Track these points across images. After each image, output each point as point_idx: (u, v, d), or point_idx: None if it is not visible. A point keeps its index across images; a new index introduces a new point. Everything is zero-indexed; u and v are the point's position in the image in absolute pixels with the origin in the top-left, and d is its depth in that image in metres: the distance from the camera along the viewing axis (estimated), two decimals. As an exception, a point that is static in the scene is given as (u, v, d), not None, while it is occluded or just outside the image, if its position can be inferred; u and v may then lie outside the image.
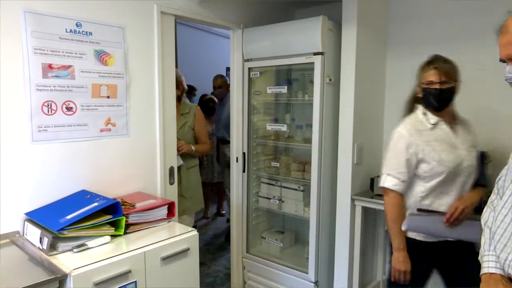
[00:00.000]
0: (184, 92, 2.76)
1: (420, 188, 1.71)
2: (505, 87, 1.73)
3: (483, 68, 2.33)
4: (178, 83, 2.53)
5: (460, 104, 2.44)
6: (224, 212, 4.94)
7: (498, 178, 1.30)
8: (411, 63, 2.59)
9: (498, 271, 1.13)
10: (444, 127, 1.72)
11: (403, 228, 1.69)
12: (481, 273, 1.19)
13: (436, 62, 1.74)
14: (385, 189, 1.75)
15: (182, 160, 2.54)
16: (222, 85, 4.22)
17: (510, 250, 1.09)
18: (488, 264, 1.17)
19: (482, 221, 1.30)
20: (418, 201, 1.71)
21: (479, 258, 1.24)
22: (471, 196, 1.69)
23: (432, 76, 1.70)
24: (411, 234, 1.74)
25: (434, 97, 1.70)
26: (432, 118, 1.73)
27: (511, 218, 1.11)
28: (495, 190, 1.31)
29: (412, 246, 1.72)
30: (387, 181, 1.73)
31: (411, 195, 1.74)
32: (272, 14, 2.90)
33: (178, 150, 2.46)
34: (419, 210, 1.69)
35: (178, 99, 2.59)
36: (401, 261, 1.70)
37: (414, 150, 1.68)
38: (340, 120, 2.47)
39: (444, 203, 1.69)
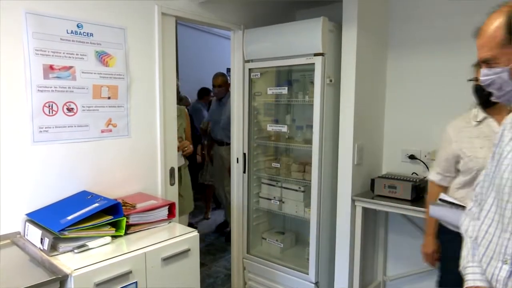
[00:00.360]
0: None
1: (458, 180, 1.78)
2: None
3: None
4: None
5: (460, 103, 2.45)
6: (209, 217, 4.83)
7: (475, 184, 1.26)
8: (412, 63, 2.63)
9: (484, 284, 1.09)
10: (492, 124, 1.71)
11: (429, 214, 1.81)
12: (465, 286, 1.14)
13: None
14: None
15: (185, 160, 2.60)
16: (222, 84, 4.00)
17: (497, 263, 1.03)
18: (474, 276, 1.12)
19: (462, 230, 1.25)
20: (452, 192, 1.78)
21: (460, 268, 1.20)
22: None
23: (478, 72, 1.72)
24: (444, 222, 1.79)
25: (477, 94, 1.71)
26: (480, 115, 1.74)
27: (495, 228, 1.06)
28: (472, 197, 1.28)
29: (444, 233, 1.81)
30: (430, 173, 1.92)
31: (451, 186, 1.81)
32: (272, 15, 2.90)
33: (183, 150, 2.51)
34: (440, 200, 1.75)
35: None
36: (424, 245, 1.92)
37: (454, 147, 1.75)
38: (341, 120, 2.47)
39: None
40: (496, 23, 1.06)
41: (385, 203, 2.36)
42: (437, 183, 1.85)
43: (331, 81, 2.47)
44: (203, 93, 5.34)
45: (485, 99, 1.69)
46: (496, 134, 1.66)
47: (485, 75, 1.09)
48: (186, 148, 2.54)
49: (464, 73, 2.41)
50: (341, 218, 2.52)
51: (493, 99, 1.14)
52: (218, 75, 4.07)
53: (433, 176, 1.88)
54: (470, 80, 1.73)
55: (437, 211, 1.75)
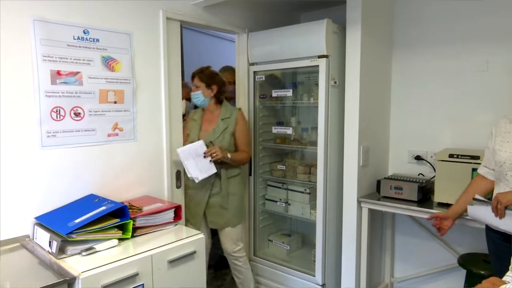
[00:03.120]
0: (224, 93, 2.55)
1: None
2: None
3: (485, 69, 2.32)
4: (216, 82, 2.46)
5: (465, 104, 2.44)
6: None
7: None
8: (417, 64, 2.62)
9: None
10: None
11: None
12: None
13: None
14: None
15: (222, 169, 2.37)
16: (232, 81, 3.16)
17: None
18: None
19: None
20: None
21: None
22: None
23: None
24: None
25: None
26: None
27: None
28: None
29: (486, 228, 1.82)
30: (479, 166, 1.91)
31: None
32: (276, 18, 2.92)
33: (211, 156, 2.28)
34: (474, 199, 1.74)
35: (218, 100, 2.50)
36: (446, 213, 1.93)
37: (494, 140, 1.77)
38: (346, 122, 2.47)
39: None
40: None
41: (391, 205, 2.35)
42: (483, 175, 1.87)
43: (335, 83, 2.47)
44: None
45: None
46: None
47: None
48: (214, 154, 2.27)
49: (470, 74, 2.41)
50: (347, 220, 2.52)
51: None
52: (226, 70, 3.29)
53: (480, 169, 1.90)
54: None
55: (473, 211, 1.74)
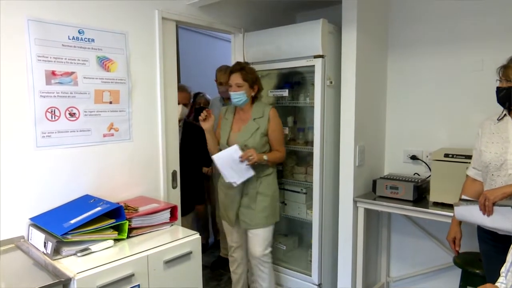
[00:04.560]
0: (260, 92, 2.43)
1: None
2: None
3: (480, 68, 2.34)
4: (258, 82, 2.38)
5: (460, 103, 2.46)
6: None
7: None
8: (412, 64, 2.63)
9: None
10: (509, 121, 1.72)
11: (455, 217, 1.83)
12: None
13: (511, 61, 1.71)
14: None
15: (253, 169, 2.27)
16: (223, 81, 3.07)
17: None
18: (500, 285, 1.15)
19: None
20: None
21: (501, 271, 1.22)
22: (506, 186, 1.62)
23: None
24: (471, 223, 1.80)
25: (496, 93, 1.74)
26: (503, 113, 1.76)
27: None
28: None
29: (478, 229, 1.84)
30: (468, 168, 1.93)
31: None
32: (272, 18, 2.92)
33: (248, 160, 2.19)
34: (461, 200, 1.75)
35: (253, 100, 2.39)
36: (448, 232, 1.96)
37: (480, 141, 1.79)
38: (342, 122, 2.47)
39: None
40: None
41: (387, 204, 2.36)
42: (472, 177, 1.88)
43: (331, 82, 2.47)
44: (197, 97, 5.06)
45: (503, 100, 1.71)
46: (508, 131, 1.68)
47: None
48: (251, 157, 2.18)
49: (465, 73, 2.42)
50: (344, 220, 2.53)
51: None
52: (222, 69, 3.22)
53: (469, 170, 1.91)
54: (497, 80, 1.73)
55: (460, 211, 1.74)
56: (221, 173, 2.29)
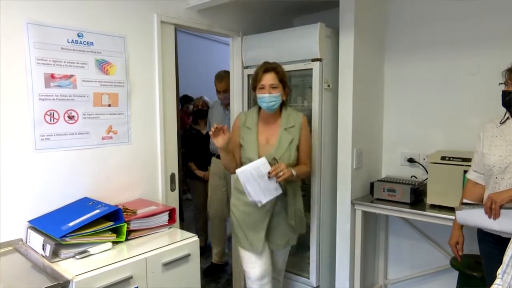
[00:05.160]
0: (289, 96, 2.19)
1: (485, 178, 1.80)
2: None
3: (475, 72, 2.36)
4: (287, 83, 2.11)
5: (457, 106, 2.48)
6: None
7: None
8: (409, 67, 2.65)
9: None
10: (511, 124, 1.73)
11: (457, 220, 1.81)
12: None
13: None
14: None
15: (287, 185, 2.04)
16: (227, 88, 3.07)
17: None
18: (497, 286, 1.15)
19: None
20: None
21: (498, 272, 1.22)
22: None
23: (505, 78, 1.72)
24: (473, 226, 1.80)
25: (505, 98, 1.72)
26: (506, 116, 1.75)
27: None
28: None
29: (478, 231, 1.83)
30: (468, 172, 1.92)
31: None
32: (270, 22, 2.93)
33: (277, 177, 1.91)
34: (463, 204, 1.76)
35: (281, 105, 2.11)
36: (450, 236, 1.94)
37: (481, 144, 1.79)
38: (339, 125, 2.49)
39: None
40: None
41: (384, 207, 2.37)
42: (474, 180, 1.87)
43: (329, 86, 2.49)
44: (184, 101, 4.92)
45: (507, 104, 1.69)
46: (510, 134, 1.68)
47: None
48: (281, 173, 1.90)
49: (461, 77, 2.45)
50: (341, 222, 2.53)
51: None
52: (223, 76, 3.22)
53: (469, 174, 1.90)
54: (501, 83, 1.74)
55: (461, 215, 1.74)
56: (244, 190, 1.96)
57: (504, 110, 1.76)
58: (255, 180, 1.92)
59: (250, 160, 1.99)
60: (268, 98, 2.01)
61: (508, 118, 1.74)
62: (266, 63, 2.09)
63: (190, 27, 2.49)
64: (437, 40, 2.50)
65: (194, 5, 2.37)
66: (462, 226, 1.89)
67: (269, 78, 2.03)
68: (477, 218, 1.67)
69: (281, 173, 1.89)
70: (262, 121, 2.12)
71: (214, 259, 3.48)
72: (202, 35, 5.55)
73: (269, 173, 1.90)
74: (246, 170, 1.92)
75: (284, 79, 2.06)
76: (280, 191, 1.95)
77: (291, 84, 2.19)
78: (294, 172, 1.97)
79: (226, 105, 3.27)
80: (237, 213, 2.14)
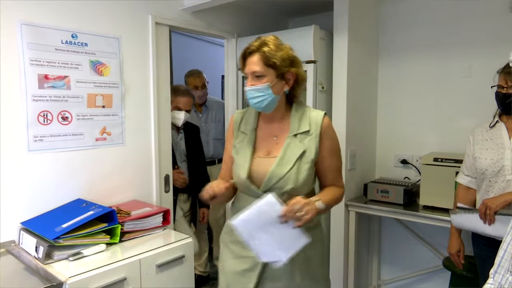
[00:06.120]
0: (302, 85, 1.44)
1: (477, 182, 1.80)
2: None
3: (468, 75, 2.38)
4: (289, 64, 1.37)
5: (449, 108, 2.50)
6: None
7: None
8: (402, 70, 2.68)
9: None
10: (501, 127, 1.74)
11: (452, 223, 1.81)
12: None
13: (506, 67, 1.71)
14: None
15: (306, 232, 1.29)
16: (198, 85, 3.05)
17: (504, 273, 1.06)
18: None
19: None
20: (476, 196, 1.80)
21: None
22: (507, 194, 1.61)
23: (500, 80, 1.71)
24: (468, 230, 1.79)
25: (498, 101, 1.73)
26: (495, 120, 1.76)
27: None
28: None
29: (472, 233, 1.81)
30: (458, 176, 1.91)
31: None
32: (265, 24, 2.94)
33: (297, 220, 1.22)
34: (458, 208, 1.75)
35: (290, 100, 1.44)
36: (449, 245, 1.92)
37: (471, 148, 1.79)
38: (333, 126, 2.49)
39: None
40: None
41: (378, 208, 2.39)
42: (466, 185, 1.86)
43: (323, 88, 2.50)
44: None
45: (506, 107, 1.70)
46: (502, 137, 1.68)
47: None
48: (303, 214, 1.21)
49: (454, 79, 2.47)
50: (335, 223, 2.54)
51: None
52: (197, 74, 3.05)
53: (461, 178, 1.88)
54: (494, 86, 1.75)
55: (457, 219, 1.75)
56: (251, 248, 1.31)
57: (492, 113, 1.78)
58: (264, 232, 1.26)
59: (239, 182, 1.41)
60: (250, 93, 1.36)
61: (497, 121, 1.76)
62: (255, 40, 1.42)
63: (184, 29, 2.49)
64: (430, 43, 2.53)
65: (188, 7, 2.37)
66: (460, 233, 1.89)
67: (251, 64, 1.36)
68: (472, 222, 1.68)
69: (302, 214, 1.21)
70: (263, 124, 1.46)
71: (197, 270, 3.08)
72: (196, 37, 5.54)
73: (281, 216, 1.22)
74: (244, 221, 1.26)
75: (276, 62, 1.33)
76: (305, 239, 1.26)
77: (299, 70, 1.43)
78: (321, 204, 1.30)
79: (200, 105, 3.16)
80: (224, 256, 1.47)
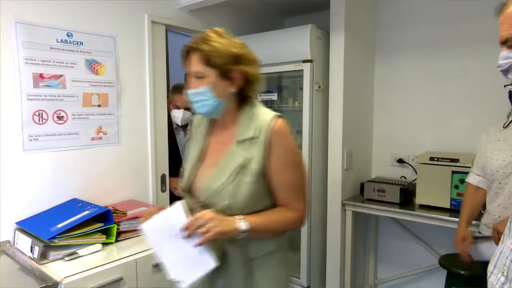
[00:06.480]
0: (254, 85, 1.23)
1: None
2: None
3: (463, 74, 2.39)
4: (234, 61, 1.17)
5: (445, 107, 2.51)
6: None
7: None
8: (399, 69, 2.68)
9: None
10: None
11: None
12: None
13: None
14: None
15: (234, 246, 1.15)
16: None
17: (497, 274, 1.06)
18: None
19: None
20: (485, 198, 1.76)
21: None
22: None
23: None
24: (482, 231, 1.75)
25: (510, 99, 1.67)
26: (509, 120, 1.71)
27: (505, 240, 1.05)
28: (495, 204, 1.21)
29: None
30: (469, 176, 1.86)
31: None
32: (262, 23, 2.94)
33: (201, 234, 1.03)
34: (475, 238, 1.70)
35: (241, 101, 1.23)
36: (456, 234, 1.82)
37: (484, 148, 1.73)
38: (330, 126, 2.50)
39: (495, 204, 1.66)
40: None
41: (374, 207, 2.39)
42: (476, 185, 1.81)
43: (319, 87, 2.51)
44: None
45: None
46: None
47: (505, 58, 0.93)
48: (204, 230, 1.02)
49: (449, 79, 2.48)
50: (332, 222, 2.55)
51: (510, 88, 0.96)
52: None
53: (471, 178, 1.84)
54: (507, 85, 1.72)
55: (478, 251, 1.69)
56: (158, 259, 1.13)
57: (505, 113, 1.73)
58: (170, 244, 1.08)
59: (183, 194, 1.26)
60: (191, 96, 1.19)
61: (511, 121, 1.68)
62: (191, 41, 1.21)
63: (180, 28, 2.48)
64: (426, 42, 2.53)
65: (185, 6, 2.37)
66: (468, 223, 1.81)
67: (190, 63, 1.18)
68: (492, 250, 1.65)
69: (204, 230, 1.02)
70: (218, 130, 1.27)
71: None
72: (193, 35, 5.52)
73: (184, 230, 1.03)
74: (153, 226, 1.10)
75: (217, 61, 1.14)
76: (211, 264, 1.06)
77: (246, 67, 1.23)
78: (245, 224, 1.07)
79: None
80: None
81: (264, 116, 1.18)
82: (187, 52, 1.19)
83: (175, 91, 2.58)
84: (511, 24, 0.89)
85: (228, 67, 1.16)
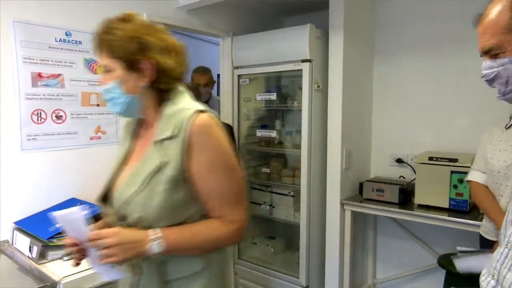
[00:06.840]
0: (177, 75, 1.06)
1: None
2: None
3: (463, 74, 2.39)
4: (142, 50, 1.00)
5: (444, 107, 2.51)
6: None
7: None
8: (398, 68, 2.68)
9: None
10: None
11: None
12: None
13: None
14: (469, 182, 1.84)
15: (149, 266, 1.00)
16: (209, 82, 2.89)
17: (486, 277, 1.01)
18: None
19: None
20: None
21: None
22: None
23: None
24: (485, 235, 1.74)
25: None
26: (511, 120, 1.71)
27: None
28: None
29: (485, 245, 1.75)
30: (472, 175, 1.81)
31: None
32: (261, 22, 2.94)
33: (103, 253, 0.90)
34: (460, 252, 1.67)
35: (160, 96, 1.05)
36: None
37: (484, 147, 1.73)
38: (329, 125, 2.50)
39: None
40: (499, 6, 0.89)
41: (373, 207, 2.39)
42: (483, 183, 1.75)
43: (318, 86, 2.50)
44: None
45: None
46: None
47: (489, 67, 0.93)
48: (104, 254, 0.90)
49: (449, 79, 2.48)
50: (331, 222, 2.55)
51: (498, 97, 0.95)
52: (200, 70, 2.85)
53: (477, 177, 1.78)
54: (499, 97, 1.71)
55: (463, 265, 1.65)
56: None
57: (504, 112, 1.72)
58: (80, 238, 0.97)
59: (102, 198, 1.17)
60: (102, 94, 1.05)
61: None
62: (95, 31, 1.08)
63: (180, 27, 2.48)
64: (425, 42, 2.54)
65: (184, 5, 2.36)
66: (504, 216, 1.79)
67: (100, 57, 1.04)
68: (481, 263, 1.62)
69: (106, 252, 0.90)
70: (143, 131, 1.12)
71: None
72: (192, 35, 5.52)
73: (89, 241, 0.92)
74: (61, 216, 0.96)
75: (118, 50, 1.00)
76: (116, 275, 1.01)
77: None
78: (159, 245, 0.92)
79: (205, 101, 2.85)
80: None
81: (187, 111, 0.98)
82: (94, 45, 1.04)
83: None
84: (493, 34, 0.89)
85: (134, 57, 0.98)
